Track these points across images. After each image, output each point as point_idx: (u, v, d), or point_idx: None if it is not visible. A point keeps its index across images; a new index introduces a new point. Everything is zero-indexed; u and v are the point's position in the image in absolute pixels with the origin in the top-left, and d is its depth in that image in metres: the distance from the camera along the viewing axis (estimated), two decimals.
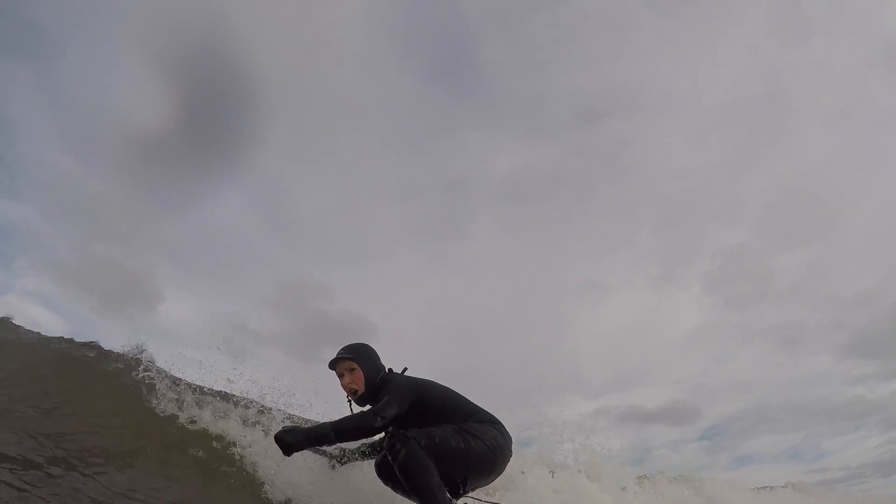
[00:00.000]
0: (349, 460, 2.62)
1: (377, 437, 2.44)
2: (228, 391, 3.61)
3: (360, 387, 2.38)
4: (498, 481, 2.69)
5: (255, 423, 3.19)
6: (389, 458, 2.13)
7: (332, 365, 2.46)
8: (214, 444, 3.02)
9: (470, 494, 2.48)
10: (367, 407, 2.39)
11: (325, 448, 2.51)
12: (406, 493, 2.33)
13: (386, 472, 2.34)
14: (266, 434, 2.97)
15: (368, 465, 2.54)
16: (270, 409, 3.26)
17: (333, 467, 2.61)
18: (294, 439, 2.15)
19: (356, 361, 2.40)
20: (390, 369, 2.53)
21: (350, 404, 2.46)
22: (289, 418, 3.24)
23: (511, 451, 2.48)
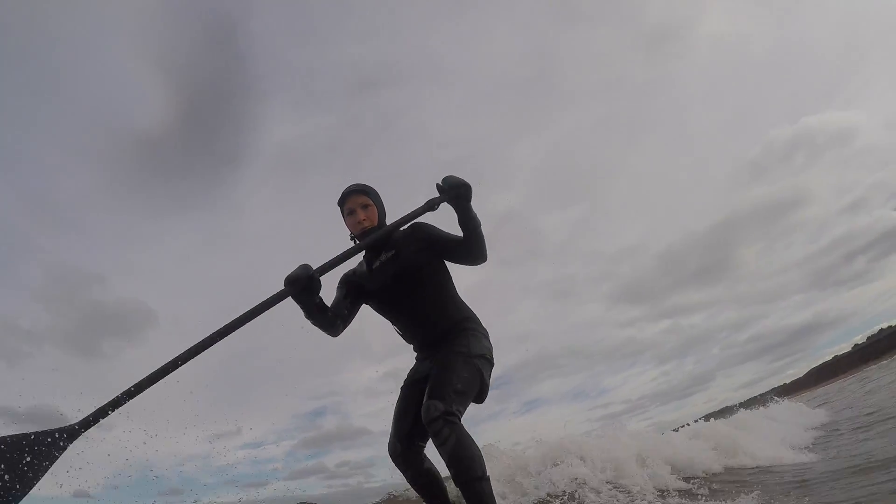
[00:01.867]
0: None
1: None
2: None
3: (375, 222, 2.15)
4: None
5: None
6: (435, 443, 1.82)
7: (343, 200, 2.19)
8: None
9: None
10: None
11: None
12: (429, 486, 2.07)
13: (409, 459, 2.04)
14: None
15: None
16: None
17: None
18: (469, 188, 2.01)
19: (370, 197, 2.18)
20: None
21: (353, 241, 2.18)
22: None
23: None
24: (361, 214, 2.14)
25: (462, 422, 1.86)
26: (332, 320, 2.07)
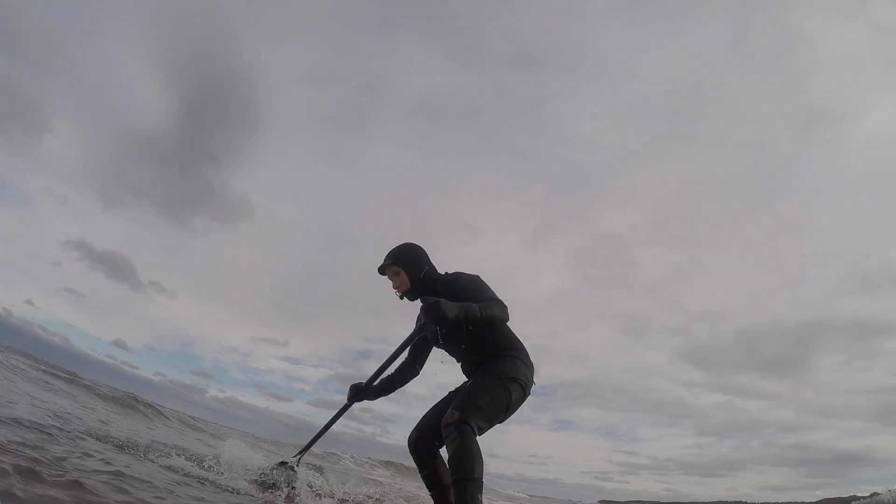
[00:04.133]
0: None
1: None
2: None
3: (406, 286, 2.50)
4: None
5: None
6: (445, 443, 2.08)
7: (381, 272, 2.57)
8: None
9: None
10: (418, 301, 2.50)
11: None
12: (434, 480, 2.35)
13: (420, 450, 2.37)
14: None
15: None
16: None
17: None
18: (449, 309, 2.17)
19: (398, 265, 2.50)
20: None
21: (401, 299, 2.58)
22: None
23: None
24: (395, 282, 2.53)
25: (480, 436, 2.08)
26: (397, 384, 2.72)
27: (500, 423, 2.27)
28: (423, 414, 2.45)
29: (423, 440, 2.37)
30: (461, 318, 2.21)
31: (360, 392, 2.68)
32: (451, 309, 2.19)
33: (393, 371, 2.69)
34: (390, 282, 2.55)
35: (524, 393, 2.29)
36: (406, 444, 2.43)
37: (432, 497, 2.40)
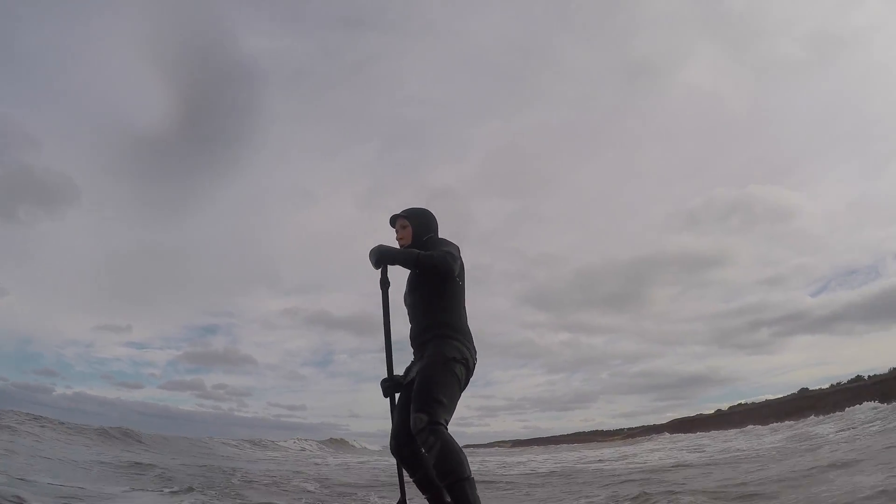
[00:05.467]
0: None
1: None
2: None
3: (408, 240, 2.64)
4: None
5: None
6: (424, 451, 2.13)
7: (392, 221, 2.72)
8: None
9: None
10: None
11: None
12: (426, 482, 2.35)
13: (406, 455, 2.39)
14: None
15: None
16: None
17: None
18: (388, 252, 2.43)
19: (409, 220, 2.67)
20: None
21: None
22: None
23: None
24: (400, 233, 2.69)
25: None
26: None
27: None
28: (392, 420, 2.48)
29: (404, 445, 2.38)
30: (399, 259, 2.42)
31: (400, 385, 2.54)
32: (393, 251, 2.44)
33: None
34: (395, 232, 2.70)
35: (469, 369, 2.42)
36: (391, 453, 2.46)
37: (427, 499, 2.41)
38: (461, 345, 2.40)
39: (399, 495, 2.51)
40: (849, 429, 10.86)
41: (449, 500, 2.14)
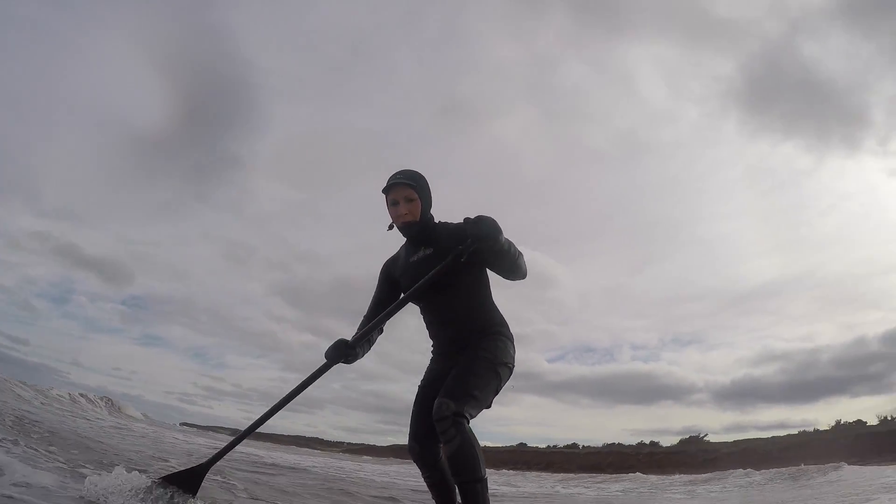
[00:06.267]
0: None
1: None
2: None
3: (416, 217, 2.11)
4: None
5: None
6: (441, 440, 1.90)
7: (388, 189, 2.11)
8: None
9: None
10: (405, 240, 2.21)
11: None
12: (441, 482, 2.11)
13: (427, 459, 2.09)
14: None
15: None
16: None
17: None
18: (500, 230, 1.91)
19: (417, 191, 2.10)
20: None
21: (390, 229, 2.22)
22: None
23: None
24: (404, 208, 2.09)
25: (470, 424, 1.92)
26: (370, 342, 2.21)
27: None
28: (411, 420, 2.15)
29: (427, 448, 2.09)
30: (505, 247, 1.95)
31: (350, 347, 2.09)
32: (501, 232, 1.92)
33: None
34: (392, 207, 2.12)
35: (510, 376, 2.16)
36: (410, 456, 2.14)
37: (434, 497, 2.16)
38: (512, 346, 2.15)
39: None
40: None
41: (459, 501, 1.98)
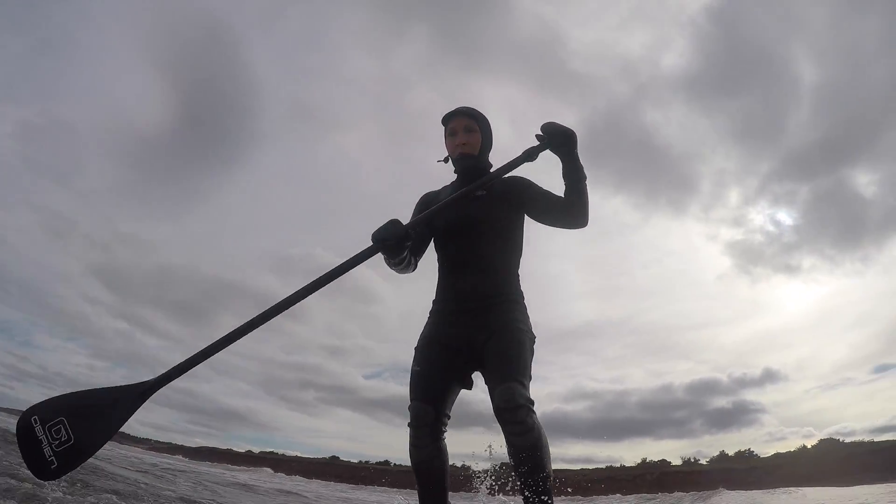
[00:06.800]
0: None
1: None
2: None
3: (476, 150, 1.95)
4: None
5: None
6: (513, 430, 1.59)
7: (448, 118, 1.98)
8: None
9: None
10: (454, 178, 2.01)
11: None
12: (437, 469, 1.76)
13: (437, 431, 1.76)
14: None
15: None
16: None
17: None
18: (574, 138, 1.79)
19: (478, 123, 1.97)
20: None
21: (445, 162, 2.04)
22: None
23: None
24: (463, 137, 1.95)
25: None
26: (410, 264, 1.88)
27: None
28: (419, 381, 1.81)
29: (440, 416, 1.79)
30: (580, 163, 1.82)
31: (407, 235, 1.68)
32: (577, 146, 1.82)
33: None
34: (450, 137, 1.99)
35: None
36: (414, 426, 1.76)
37: (424, 482, 1.78)
38: (529, 319, 1.90)
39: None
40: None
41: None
